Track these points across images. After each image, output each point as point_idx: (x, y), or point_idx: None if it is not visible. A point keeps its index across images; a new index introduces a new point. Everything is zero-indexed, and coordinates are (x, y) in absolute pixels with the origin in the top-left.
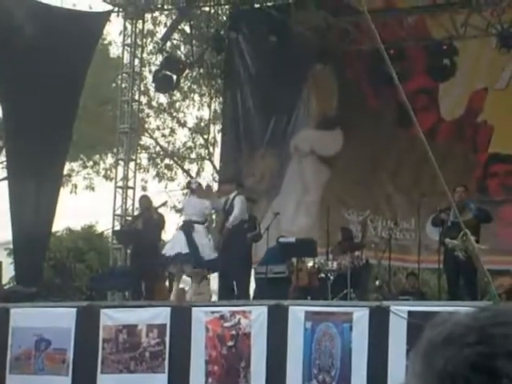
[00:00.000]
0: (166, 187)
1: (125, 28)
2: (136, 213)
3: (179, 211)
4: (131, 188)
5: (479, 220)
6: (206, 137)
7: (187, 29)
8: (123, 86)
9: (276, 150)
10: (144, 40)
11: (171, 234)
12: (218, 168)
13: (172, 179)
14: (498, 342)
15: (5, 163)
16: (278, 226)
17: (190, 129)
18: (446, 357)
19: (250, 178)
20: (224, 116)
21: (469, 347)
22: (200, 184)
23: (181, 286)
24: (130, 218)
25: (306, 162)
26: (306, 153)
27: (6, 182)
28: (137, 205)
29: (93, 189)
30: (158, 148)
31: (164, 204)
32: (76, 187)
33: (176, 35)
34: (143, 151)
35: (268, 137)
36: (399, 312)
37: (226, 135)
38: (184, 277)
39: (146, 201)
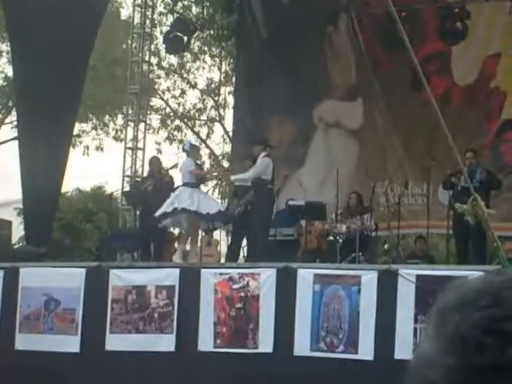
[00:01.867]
0: (178, 149)
1: None
2: (145, 174)
3: None
4: (141, 149)
5: (485, 188)
6: (216, 99)
7: None
8: (133, 46)
9: (295, 117)
10: (155, 0)
11: None
12: (228, 130)
13: (182, 141)
14: (510, 304)
15: (15, 123)
16: (303, 196)
17: (200, 90)
18: (457, 320)
19: None
20: (237, 79)
21: (480, 310)
22: (194, 145)
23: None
24: (139, 180)
25: (333, 135)
26: (331, 124)
27: (16, 142)
28: (146, 166)
29: (102, 149)
30: (168, 109)
31: (175, 166)
32: (88, 148)
33: None
34: (153, 112)
35: (285, 103)
36: (407, 275)
37: (239, 99)
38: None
39: (156, 162)
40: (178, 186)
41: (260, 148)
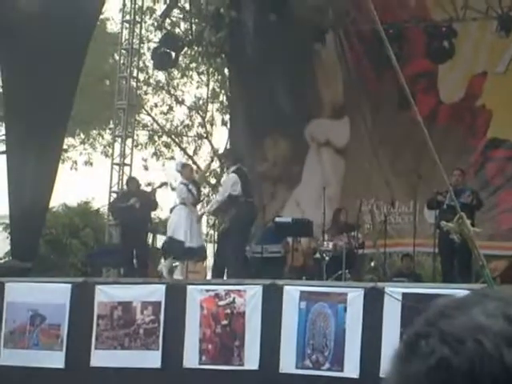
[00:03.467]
0: (163, 165)
1: (124, 4)
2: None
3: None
4: (128, 165)
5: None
6: (203, 115)
7: (187, 6)
8: (121, 62)
9: (286, 135)
10: (143, 17)
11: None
12: (215, 147)
13: (171, 158)
14: (437, 321)
15: (3, 137)
16: (300, 214)
17: (188, 107)
18: (404, 338)
19: (264, 162)
20: (228, 97)
21: (415, 327)
22: (185, 164)
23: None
24: (123, 193)
25: (324, 153)
26: (322, 143)
27: (4, 156)
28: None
29: (91, 164)
30: (155, 125)
31: (163, 185)
32: (76, 163)
33: (175, 12)
34: (141, 128)
35: (277, 122)
36: (394, 293)
37: (233, 119)
38: None
39: (133, 184)
40: (174, 206)
41: (228, 163)
